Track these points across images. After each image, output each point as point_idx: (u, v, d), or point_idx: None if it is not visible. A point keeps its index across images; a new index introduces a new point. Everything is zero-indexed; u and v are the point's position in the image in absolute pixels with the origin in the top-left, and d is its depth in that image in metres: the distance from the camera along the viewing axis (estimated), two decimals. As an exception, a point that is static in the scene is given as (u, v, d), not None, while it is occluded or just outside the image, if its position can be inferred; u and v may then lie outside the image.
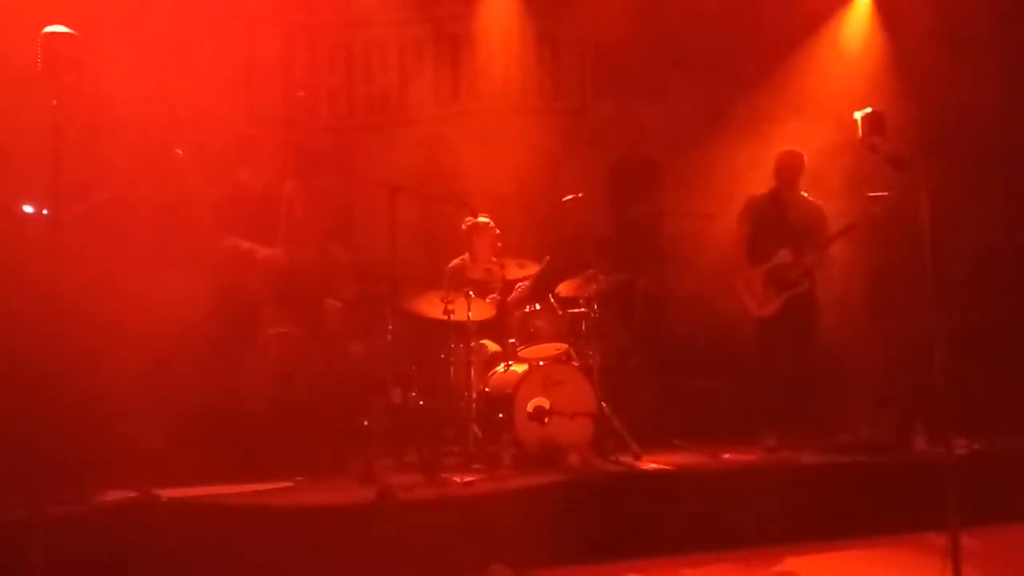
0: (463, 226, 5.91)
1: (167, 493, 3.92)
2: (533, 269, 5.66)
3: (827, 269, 5.61)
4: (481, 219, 5.83)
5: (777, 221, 5.68)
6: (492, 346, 5.72)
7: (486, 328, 5.70)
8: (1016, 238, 6.61)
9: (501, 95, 7.26)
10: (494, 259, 5.62)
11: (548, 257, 5.62)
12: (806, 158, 5.72)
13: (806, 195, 5.78)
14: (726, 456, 5.14)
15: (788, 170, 5.71)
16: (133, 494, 3.89)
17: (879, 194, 5.16)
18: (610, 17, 6.94)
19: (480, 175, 6.41)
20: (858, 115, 3.62)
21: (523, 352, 5.44)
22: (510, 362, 5.43)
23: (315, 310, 5.27)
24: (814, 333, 5.61)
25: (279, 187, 5.14)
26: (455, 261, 5.94)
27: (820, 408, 5.60)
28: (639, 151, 7.24)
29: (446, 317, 5.20)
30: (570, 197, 5.76)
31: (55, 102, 3.20)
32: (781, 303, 5.56)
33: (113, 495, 3.93)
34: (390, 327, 5.20)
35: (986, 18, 6.94)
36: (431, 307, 5.38)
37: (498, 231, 5.84)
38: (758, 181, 5.92)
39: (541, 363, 5.29)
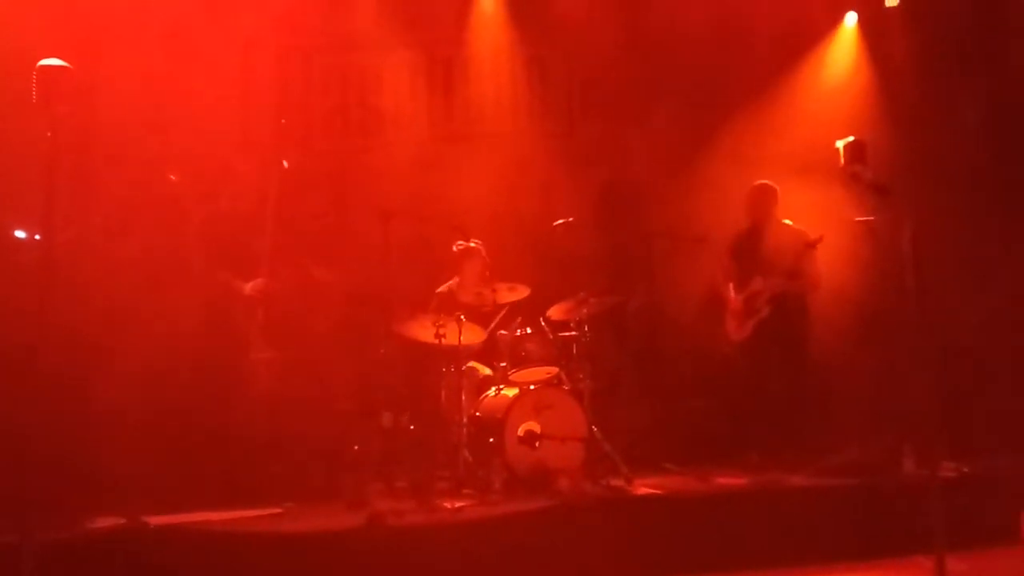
0: (453, 250, 5.94)
1: (156, 520, 3.92)
2: (524, 292, 5.69)
3: (803, 289, 5.79)
4: (471, 243, 5.87)
5: (754, 252, 5.95)
6: (483, 370, 5.73)
7: (477, 352, 5.72)
8: (1005, 262, 6.66)
9: (492, 118, 7.32)
10: (484, 283, 5.65)
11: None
12: (778, 189, 5.99)
13: (789, 223, 5.97)
14: (717, 480, 5.15)
15: (760, 204, 6.00)
16: (122, 521, 3.89)
17: (865, 218, 5.23)
18: (597, 42, 7.02)
19: (471, 198, 6.45)
20: (840, 144, 3.69)
21: (514, 376, 5.46)
22: (501, 386, 5.44)
23: (298, 334, 5.27)
24: (786, 354, 5.75)
25: (262, 213, 5.14)
26: (444, 286, 5.96)
27: (807, 429, 5.64)
28: (625, 175, 7.32)
29: (437, 341, 5.23)
30: (561, 222, 5.81)
31: (49, 134, 3.24)
32: (751, 328, 5.83)
33: (102, 522, 3.93)
34: (382, 350, 5.22)
35: (971, 45, 7.03)
36: (422, 331, 5.40)
37: (487, 257, 5.89)
38: (743, 206, 6.11)
39: (532, 387, 5.30)
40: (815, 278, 5.78)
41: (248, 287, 5.07)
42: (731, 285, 6.04)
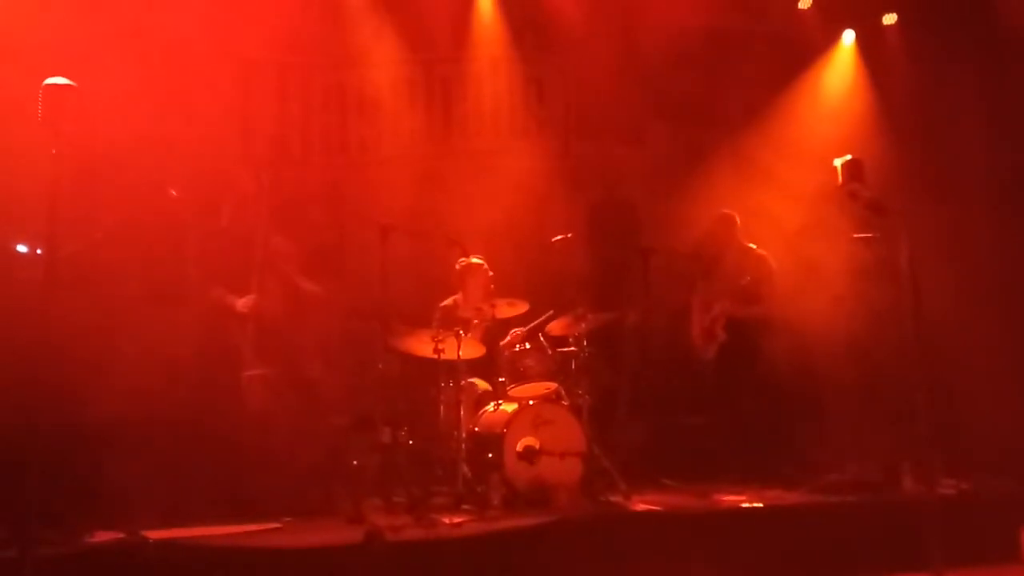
0: (457, 267, 5.97)
1: (154, 534, 3.91)
2: (523, 308, 5.71)
3: (759, 316, 5.97)
4: (474, 260, 5.91)
5: (718, 276, 6.19)
6: (482, 385, 5.74)
7: (476, 367, 5.72)
8: (1001, 280, 6.68)
9: (489, 136, 7.38)
10: (484, 299, 5.67)
11: (551, 312, 5.71)
12: (738, 217, 6.22)
13: (753, 247, 6.16)
14: (715, 496, 5.15)
15: (720, 233, 6.25)
16: (121, 535, 3.88)
17: (863, 235, 5.28)
18: (594, 62, 7.07)
19: (469, 214, 6.48)
20: (838, 162, 3.72)
21: (513, 391, 5.46)
22: (500, 401, 5.45)
23: (289, 348, 5.27)
24: (748, 377, 5.93)
25: (258, 229, 5.16)
26: (447, 301, 5.98)
27: (799, 448, 5.67)
28: (620, 192, 7.37)
29: (436, 356, 5.24)
30: (559, 238, 5.83)
31: (54, 151, 3.27)
32: (713, 350, 6.09)
33: (101, 536, 3.92)
34: (380, 365, 5.23)
35: (969, 62, 7.08)
36: (421, 345, 5.41)
37: (490, 272, 5.92)
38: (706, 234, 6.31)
39: (531, 402, 5.30)
40: (769, 306, 5.92)
41: (240, 303, 5.06)
42: (697, 308, 6.27)
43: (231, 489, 4.67)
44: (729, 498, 5.09)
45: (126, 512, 4.07)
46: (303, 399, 5.19)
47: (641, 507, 4.88)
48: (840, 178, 3.71)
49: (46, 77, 3.38)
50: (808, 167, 6.00)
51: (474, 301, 5.78)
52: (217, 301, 5.09)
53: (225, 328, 5.11)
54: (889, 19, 7.29)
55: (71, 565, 3.62)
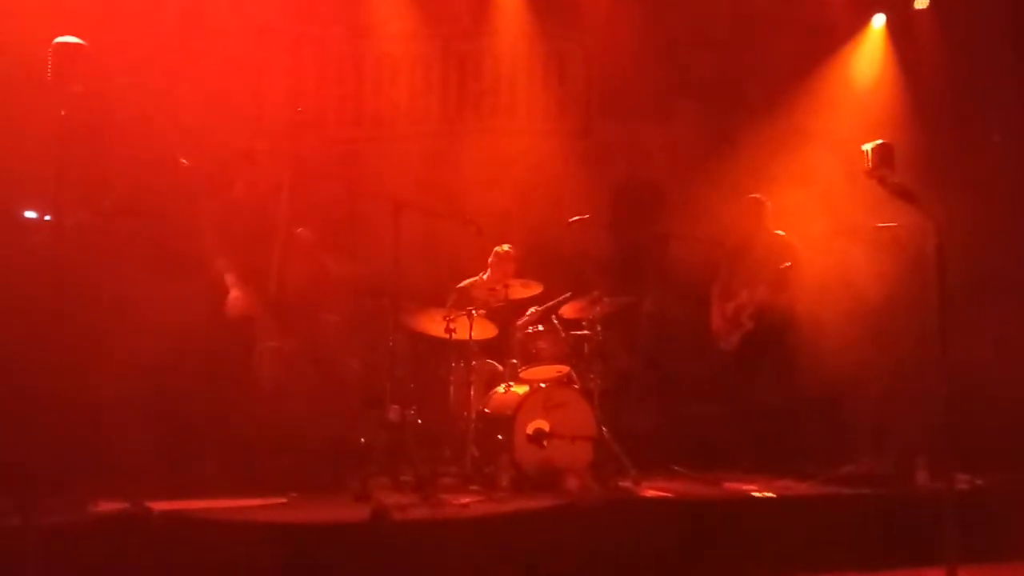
0: (493, 252, 5.94)
1: (159, 506, 3.89)
2: (537, 289, 5.65)
3: (786, 303, 5.80)
4: (506, 247, 5.93)
5: (744, 262, 6.04)
6: (493, 366, 5.69)
7: (487, 348, 5.67)
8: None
9: (507, 113, 7.27)
10: (501, 281, 5.62)
11: (569, 294, 5.64)
12: (768, 203, 6.06)
13: (781, 233, 6.00)
14: (726, 484, 5.10)
15: (748, 218, 6.07)
16: (125, 505, 3.86)
17: (888, 224, 5.17)
18: (617, 40, 6.94)
19: (484, 193, 6.40)
20: (867, 147, 3.61)
21: (524, 373, 5.42)
22: (511, 383, 5.41)
23: (309, 325, 5.22)
24: (774, 366, 5.81)
25: (275, 201, 5.08)
26: (466, 282, 5.92)
27: (815, 438, 5.59)
28: (641, 174, 7.26)
29: (448, 335, 5.18)
30: (576, 218, 5.76)
31: (63, 112, 3.20)
32: (737, 339, 5.94)
33: (105, 506, 3.91)
34: (390, 343, 5.18)
35: (1000, 50, 6.94)
36: (433, 324, 5.37)
37: (520, 262, 5.89)
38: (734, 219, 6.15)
39: (542, 385, 5.26)
40: (795, 294, 5.75)
41: (231, 294, 4.92)
42: (718, 297, 6.14)
43: (237, 462, 4.65)
44: (739, 487, 5.04)
45: (130, 482, 4.05)
46: (316, 375, 5.15)
47: (650, 493, 4.85)
48: (869, 163, 3.60)
49: (56, 36, 3.30)
50: (836, 152, 5.90)
51: (492, 282, 5.72)
52: (217, 274, 4.97)
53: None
54: (921, 3, 7.14)
55: (74, 534, 3.60)
